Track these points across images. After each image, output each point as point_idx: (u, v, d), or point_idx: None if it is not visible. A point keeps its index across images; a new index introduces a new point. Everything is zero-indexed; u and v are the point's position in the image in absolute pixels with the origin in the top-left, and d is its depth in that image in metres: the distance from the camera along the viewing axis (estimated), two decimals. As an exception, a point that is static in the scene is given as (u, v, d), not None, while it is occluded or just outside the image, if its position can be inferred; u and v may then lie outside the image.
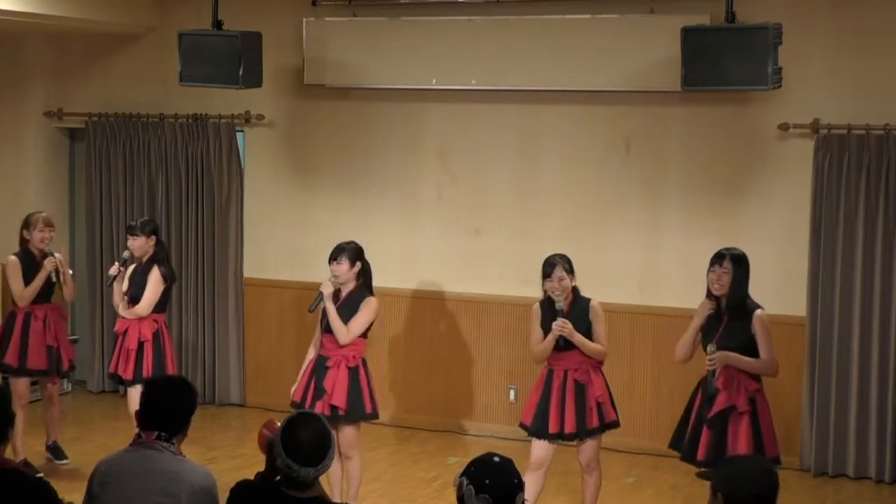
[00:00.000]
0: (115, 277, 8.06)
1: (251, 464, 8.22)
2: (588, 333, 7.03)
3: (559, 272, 7.01)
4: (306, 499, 4.12)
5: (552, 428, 7.04)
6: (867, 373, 8.55)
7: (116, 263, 8.15)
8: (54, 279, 8.32)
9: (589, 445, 7.13)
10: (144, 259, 8.07)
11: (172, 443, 4.48)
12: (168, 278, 8.12)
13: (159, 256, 8.14)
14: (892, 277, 8.46)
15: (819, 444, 8.69)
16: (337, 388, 7.26)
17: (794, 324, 8.61)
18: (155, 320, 8.07)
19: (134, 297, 8.05)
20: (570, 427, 7.02)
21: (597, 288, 9.01)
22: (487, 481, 3.76)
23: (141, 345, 8.00)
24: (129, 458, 4.50)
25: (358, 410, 7.30)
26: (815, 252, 8.64)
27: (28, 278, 8.29)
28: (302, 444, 4.04)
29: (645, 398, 9.18)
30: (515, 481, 3.82)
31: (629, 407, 9.22)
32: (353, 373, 7.30)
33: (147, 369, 7.97)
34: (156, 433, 4.46)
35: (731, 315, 6.74)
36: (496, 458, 3.85)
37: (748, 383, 6.69)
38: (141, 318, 8.02)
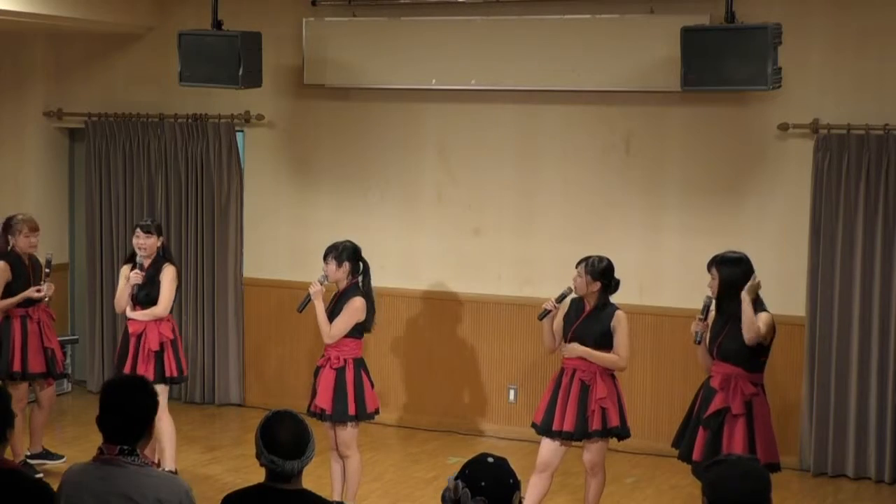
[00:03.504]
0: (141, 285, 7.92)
1: (250, 464, 8.20)
2: (605, 338, 7.07)
3: (580, 269, 7.12)
4: (292, 490, 4.24)
5: (555, 425, 7.09)
6: (867, 373, 8.55)
7: (141, 272, 7.90)
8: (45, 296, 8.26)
9: (592, 448, 7.12)
10: (150, 259, 7.95)
11: (136, 454, 4.30)
12: (180, 276, 8.12)
13: (168, 255, 8.09)
14: (892, 277, 8.45)
15: (818, 445, 8.69)
16: (322, 390, 7.30)
17: (793, 324, 8.60)
18: (168, 319, 8.01)
19: (146, 299, 7.91)
20: (568, 426, 7.04)
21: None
22: (483, 483, 3.74)
23: (160, 345, 7.91)
24: (91, 479, 4.33)
25: (341, 412, 7.30)
26: (814, 252, 8.64)
27: (16, 282, 8.16)
28: (281, 440, 4.18)
29: (645, 398, 9.18)
30: (511, 481, 3.80)
31: (629, 407, 9.18)
32: (339, 374, 7.31)
33: (170, 369, 7.91)
34: (118, 448, 4.28)
35: (729, 318, 6.73)
36: (490, 459, 3.83)
37: (745, 386, 6.67)
38: (159, 319, 7.93)
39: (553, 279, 8.86)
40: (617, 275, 7.22)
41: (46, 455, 8.43)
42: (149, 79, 10.48)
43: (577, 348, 7.05)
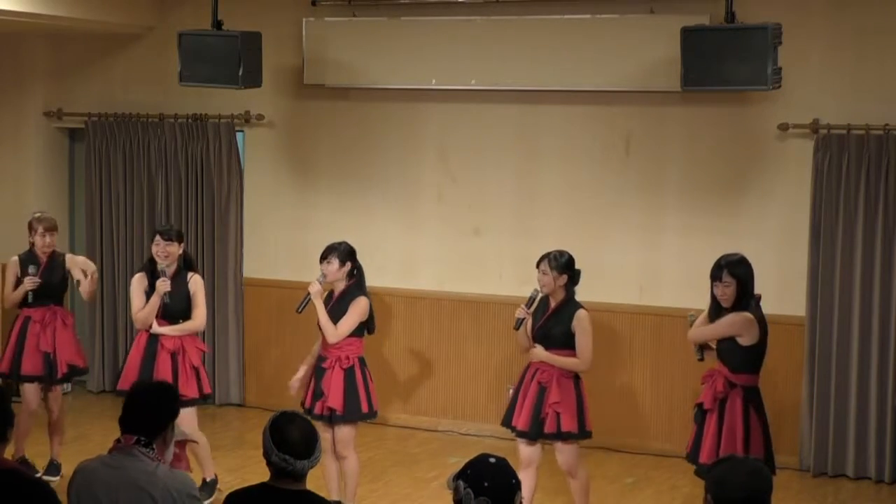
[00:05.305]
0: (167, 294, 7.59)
1: (250, 464, 8.23)
2: (566, 338, 7.06)
3: (544, 266, 7.11)
4: (295, 490, 4.28)
5: (513, 421, 7.16)
6: (867, 373, 8.55)
7: (167, 280, 7.54)
8: (30, 300, 8.14)
9: (563, 450, 7.10)
10: (174, 268, 7.68)
11: (152, 448, 4.44)
12: None
13: (190, 264, 7.81)
14: (892, 277, 8.45)
15: (818, 445, 8.69)
16: (333, 390, 7.29)
17: (793, 324, 8.60)
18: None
19: (175, 312, 7.63)
20: (522, 424, 7.09)
21: (597, 288, 9.03)
22: (486, 484, 3.76)
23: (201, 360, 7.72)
24: (104, 468, 4.46)
25: (354, 411, 7.35)
26: (814, 252, 8.64)
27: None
28: (293, 440, 4.22)
29: (645, 398, 9.18)
30: (513, 481, 3.82)
31: (629, 407, 9.23)
32: (349, 373, 7.34)
33: (206, 385, 7.70)
34: (135, 438, 4.43)
35: None
36: (492, 459, 3.85)
37: (718, 383, 6.71)
38: (195, 334, 7.71)
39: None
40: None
41: (49, 468, 8.35)
42: (149, 79, 10.48)
43: (540, 354, 7.07)
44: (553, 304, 7.13)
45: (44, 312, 8.24)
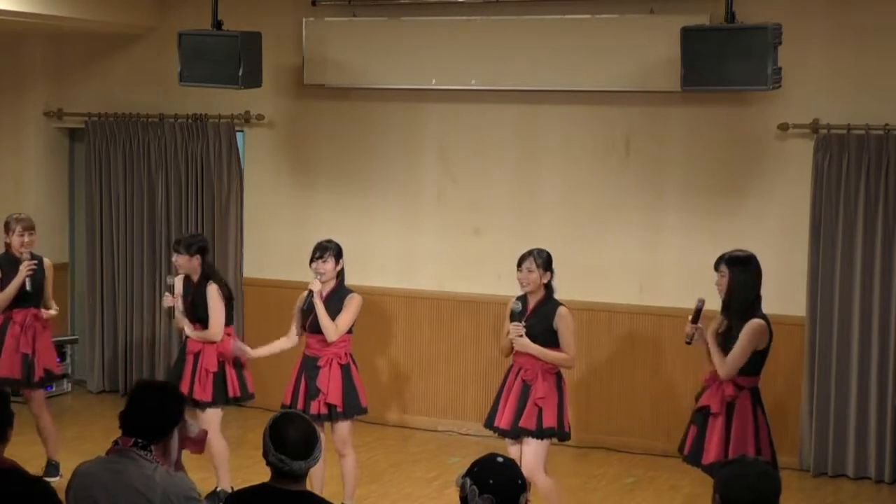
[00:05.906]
0: (174, 307, 7.69)
1: (250, 464, 8.23)
2: (548, 335, 7.02)
3: (529, 264, 7.10)
4: (296, 492, 4.30)
5: (496, 420, 7.12)
6: (867, 373, 8.55)
7: (168, 294, 7.68)
8: (28, 288, 8.07)
9: (526, 452, 6.98)
10: (196, 278, 7.72)
11: (150, 450, 4.40)
12: (225, 296, 7.73)
13: (210, 274, 7.76)
14: (892, 277, 8.46)
15: (818, 445, 8.69)
16: (332, 387, 7.31)
17: (793, 324, 8.60)
18: (227, 334, 7.76)
19: (199, 318, 7.68)
20: (505, 423, 7.05)
21: (597, 288, 9.06)
22: (491, 481, 3.77)
23: (219, 365, 7.66)
24: (102, 471, 4.44)
25: (354, 406, 7.38)
26: (814, 252, 8.65)
27: (5, 282, 8.07)
28: (291, 440, 4.24)
29: (644, 398, 9.18)
30: (519, 482, 3.83)
31: (629, 407, 9.23)
32: (346, 370, 7.37)
33: (233, 389, 7.68)
34: (132, 440, 4.40)
35: (731, 319, 6.68)
36: (499, 459, 3.86)
37: (726, 387, 6.60)
38: (213, 341, 7.67)
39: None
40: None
41: (48, 469, 8.31)
42: (149, 79, 10.48)
43: (528, 345, 7.01)
44: (532, 303, 7.11)
45: (24, 314, 8.18)
